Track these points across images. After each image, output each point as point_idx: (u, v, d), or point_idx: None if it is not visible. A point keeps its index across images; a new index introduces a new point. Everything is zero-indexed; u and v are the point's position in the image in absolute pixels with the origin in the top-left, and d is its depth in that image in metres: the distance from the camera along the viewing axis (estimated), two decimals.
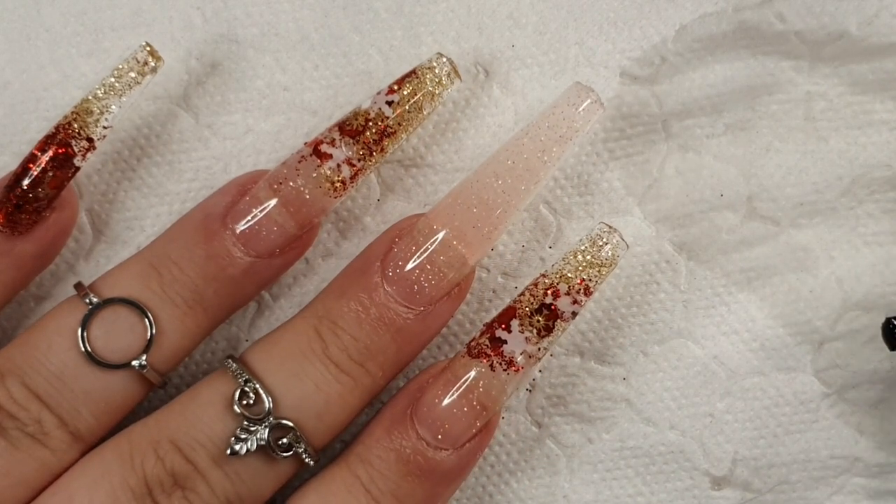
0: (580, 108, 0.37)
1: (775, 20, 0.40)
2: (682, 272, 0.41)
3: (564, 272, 0.36)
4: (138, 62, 0.37)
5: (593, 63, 0.41)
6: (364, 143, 0.37)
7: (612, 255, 0.36)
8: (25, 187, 0.36)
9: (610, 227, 0.36)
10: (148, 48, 0.37)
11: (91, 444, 0.36)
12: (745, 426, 0.42)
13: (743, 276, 0.41)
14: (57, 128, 0.37)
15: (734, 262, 0.41)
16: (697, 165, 0.41)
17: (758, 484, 0.42)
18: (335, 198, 0.37)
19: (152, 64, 0.37)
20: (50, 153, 0.36)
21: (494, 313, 0.41)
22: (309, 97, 0.41)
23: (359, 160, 0.37)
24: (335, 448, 0.41)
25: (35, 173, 0.36)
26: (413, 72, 0.37)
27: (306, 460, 0.36)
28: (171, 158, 0.41)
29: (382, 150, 0.37)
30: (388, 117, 0.37)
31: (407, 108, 0.37)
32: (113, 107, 0.37)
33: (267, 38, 0.41)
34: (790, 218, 0.41)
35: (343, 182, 0.37)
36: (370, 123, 0.37)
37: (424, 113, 0.37)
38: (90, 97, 0.37)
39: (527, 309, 0.36)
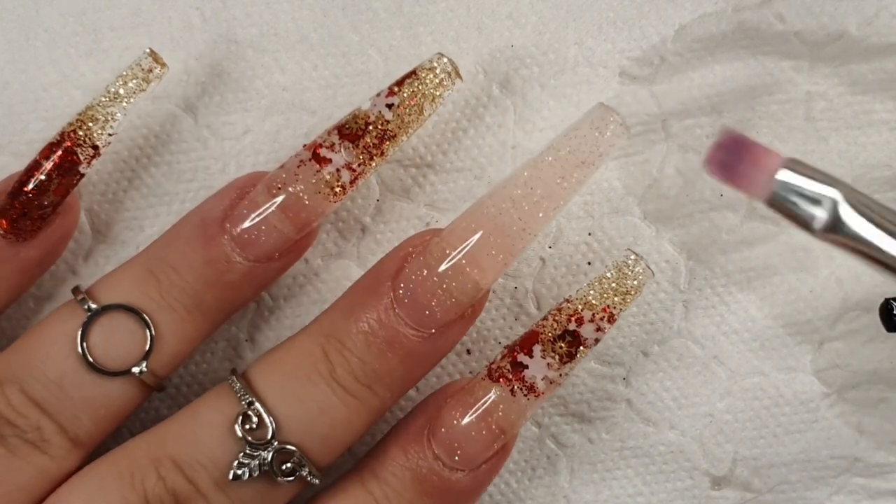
0: (605, 134, 0.35)
1: (775, 20, 0.40)
2: (682, 272, 0.41)
3: (589, 298, 0.36)
4: (143, 69, 0.37)
5: (593, 63, 0.41)
6: (364, 147, 0.36)
7: (638, 283, 0.36)
8: (31, 195, 0.36)
9: (637, 256, 0.36)
10: (152, 55, 0.37)
11: (90, 450, 0.36)
12: (745, 426, 0.42)
13: (743, 276, 0.41)
14: (62, 135, 0.36)
15: (734, 262, 0.41)
16: (697, 165, 0.41)
17: (758, 484, 0.42)
18: (334, 202, 0.36)
19: (157, 71, 0.37)
20: (55, 161, 0.36)
21: (493, 314, 0.41)
22: (308, 97, 0.41)
23: (359, 165, 0.36)
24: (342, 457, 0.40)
25: (40, 181, 0.36)
26: (413, 72, 0.37)
27: (311, 480, 0.35)
28: (170, 159, 0.41)
29: (382, 153, 0.36)
30: (388, 120, 0.36)
31: (407, 110, 0.36)
32: (118, 114, 0.37)
33: (266, 39, 0.41)
34: None
35: (343, 187, 0.36)
36: (370, 127, 0.36)
37: (425, 114, 0.37)
38: (95, 105, 0.36)
39: (550, 335, 0.36)
